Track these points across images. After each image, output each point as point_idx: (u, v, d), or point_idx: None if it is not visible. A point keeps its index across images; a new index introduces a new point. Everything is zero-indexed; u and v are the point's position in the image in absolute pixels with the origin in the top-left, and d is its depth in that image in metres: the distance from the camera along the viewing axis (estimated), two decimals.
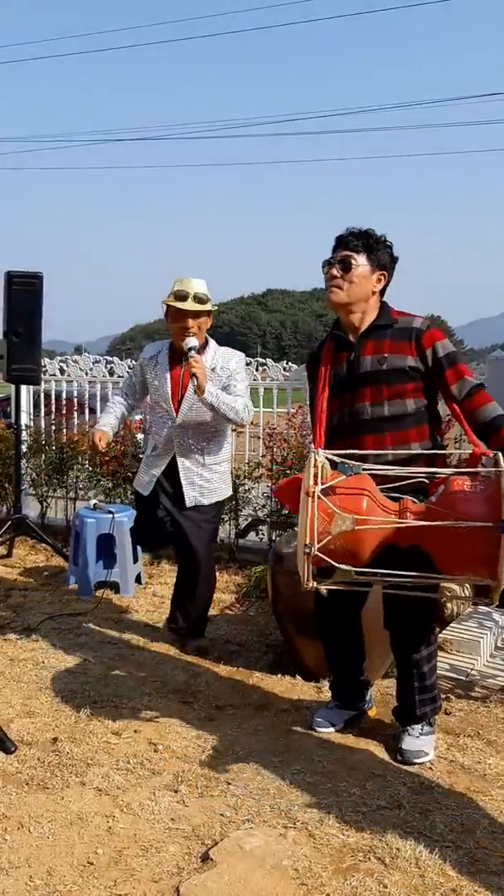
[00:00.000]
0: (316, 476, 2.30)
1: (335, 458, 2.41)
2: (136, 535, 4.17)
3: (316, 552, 2.26)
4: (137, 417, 5.70)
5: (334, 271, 2.68)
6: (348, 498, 2.31)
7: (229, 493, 3.80)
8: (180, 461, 3.62)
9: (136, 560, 4.83)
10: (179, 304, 3.45)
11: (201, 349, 3.54)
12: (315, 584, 2.34)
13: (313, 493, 2.26)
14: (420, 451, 2.61)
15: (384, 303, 2.77)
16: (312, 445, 2.54)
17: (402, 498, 2.41)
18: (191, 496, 3.61)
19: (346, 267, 2.67)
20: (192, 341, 3.40)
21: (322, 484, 2.30)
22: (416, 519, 2.32)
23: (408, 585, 2.39)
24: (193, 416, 3.56)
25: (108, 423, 3.78)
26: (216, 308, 3.57)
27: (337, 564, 2.30)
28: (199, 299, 3.46)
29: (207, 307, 3.49)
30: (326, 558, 2.28)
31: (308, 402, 2.91)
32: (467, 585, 2.39)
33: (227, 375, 3.55)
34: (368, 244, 2.68)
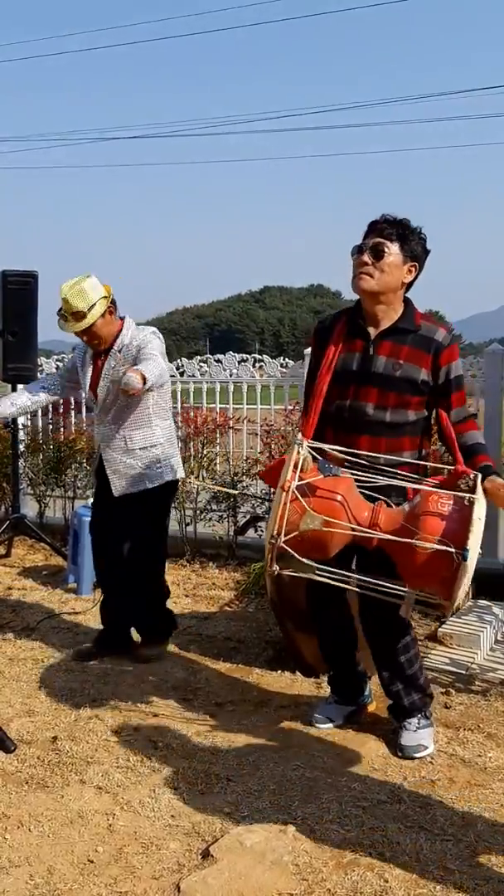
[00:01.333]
0: (295, 468, 2.31)
1: (317, 454, 2.42)
2: (93, 541, 3.75)
3: (281, 544, 2.30)
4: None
5: (365, 258, 2.58)
6: (321, 499, 2.33)
7: (167, 477, 3.51)
8: (104, 450, 3.50)
9: None
10: (62, 327, 3.34)
11: (117, 335, 3.39)
12: (278, 568, 2.38)
13: (289, 487, 2.28)
14: (409, 460, 2.61)
15: (409, 301, 2.68)
16: (299, 435, 2.50)
17: (378, 501, 2.42)
18: (117, 485, 3.46)
19: (378, 254, 2.57)
20: (131, 382, 3.05)
21: (300, 479, 2.32)
22: (386, 524, 2.35)
23: (370, 587, 2.41)
24: (111, 402, 3.43)
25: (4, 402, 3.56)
26: (107, 299, 3.32)
27: (300, 558, 2.33)
28: (78, 317, 3.27)
29: (88, 321, 3.27)
30: (290, 550, 2.31)
31: (305, 377, 2.83)
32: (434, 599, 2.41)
33: (136, 347, 3.35)
34: (402, 233, 2.59)
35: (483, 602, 4.08)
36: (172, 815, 2.35)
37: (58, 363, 6.49)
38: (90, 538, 3.76)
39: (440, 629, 3.73)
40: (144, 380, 3.04)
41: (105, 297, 3.33)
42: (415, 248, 2.62)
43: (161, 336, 3.52)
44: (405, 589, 2.39)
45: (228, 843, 2.19)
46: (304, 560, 2.35)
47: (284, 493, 2.28)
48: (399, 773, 2.61)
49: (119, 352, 3.39)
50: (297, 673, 3.41)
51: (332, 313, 2.85)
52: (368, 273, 2.58)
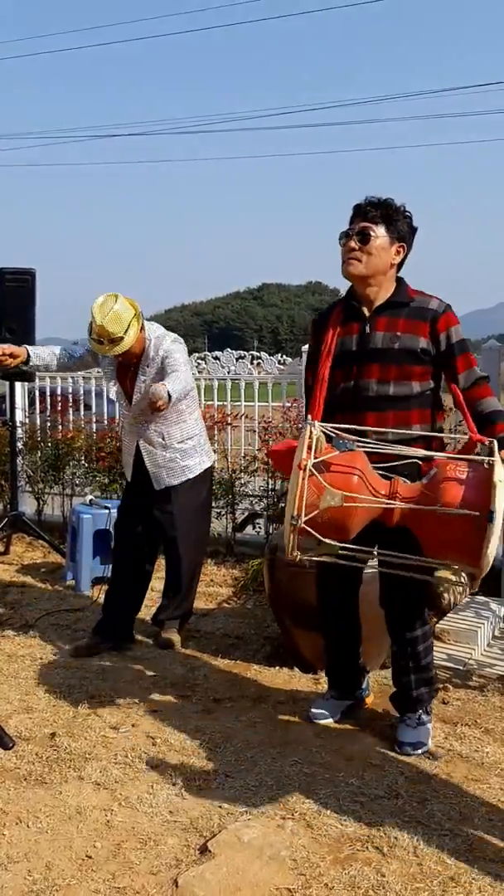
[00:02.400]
0: (310, 448, 2.28)
1: (330, 432, 2.40)
2: (120, 531, 3.83)
3: (302, 524, 2.26)
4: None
5: (352, 243, 2.59)
6: (339, 474, 2.29)
7: (207, 464, 3.76)
8: (142, 445, 3.62)
9: None
10: (98, 349, 3.41)
11: (144, 349, 3.49)
12: (299, 554, 2.34)
13: (305, 465, 2.25)
14: (420, 433, 2.59)
15: (401, 279, 2.70)
16: (309, 416, 2.49)
17: (393, 478, 2.39)
18: (159, 478, 3.62)
19: (365, 238, 2.58)
20: (158, 393, 3.22)
21: (315, 458, 2.29)
22: (405, 501, 2.32)
23: (395, 564, 2.39)
24: (146, 405, 3.48)
25: (35, 348, 3.60)
26: (137, 318, 3.41)
27: (322, 538, 2.30)
28: (113, 341, 3.34)
29: (127, 344, 3.36)
30: (312, 531, 2.28)
31: (304, 367, 2.84)
32: (462, 573, 2.36)
33: (162, 357, 3.47)
34: (387, 214, 2.60)
35: (480, 598, 4.09)
36: (170, 811, 2.36)
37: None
38: (118, 529, 3.83)
39: (438, 625, 3.74)
40: (170, 397, 3.21)
41: (136, 315, 3.42)
42: (401, 228, 2.63)
43: (182, 342, 3.66)
44: (434, 561, 2.34)
45: (226, 838, 2.20)
46: (327, 540, 2.31)
47: (301, 472, 2.24)
48: (396, 768, 2.61)
49: (148, 367, 3.52)
50: (296, 669, 3.42)
51: (328, 306, 2.85)
52: (356, 258, 2.60)
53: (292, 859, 2.12)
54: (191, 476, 3.66)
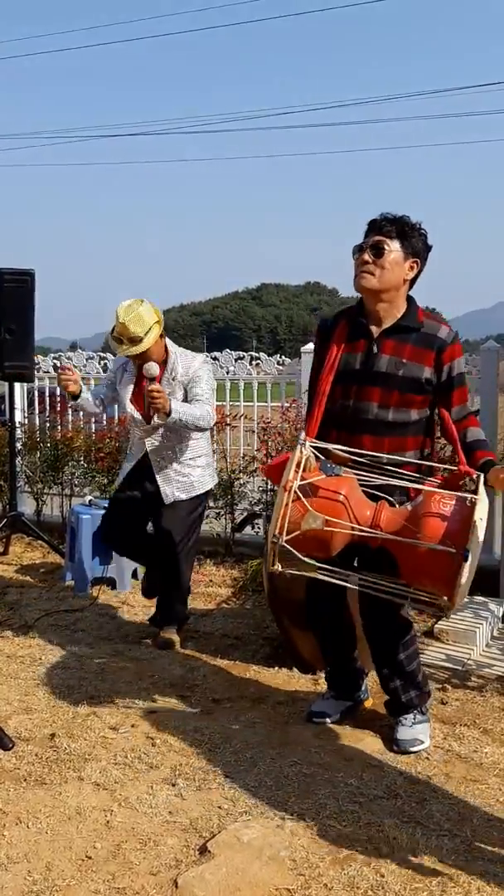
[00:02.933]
0: (297, 467, 2.32)
1: (323, 452, 2.43)
2: (106, 533, 3.93)
3: (283, 543, 2.32)
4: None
5: (366, 256, 2.57)
6: (324, 499, 2.34)
7: (211, 484, 3.82)
8: (153, 459, 3.66)
9: None
10: (116, 348, 3.50)
11: (164, 360, 3.54)
12: (280, 567, 2.39)
13: (290, 487, 2.29)
14: (412, 460, 2.62)
15: (412, 299, 2.68)
16: (302, 434, 2.51)
17: (380, 501, 2.43)
18: (168, 493, 3.65)
19: (379, 252, 2.56)
20: (152, 369, 3.34)
21: (303, 479, 2.33)
22: (388, 524, 2.37)
23: (372, 586, 2.43)
24: (160, 424, 3.56)
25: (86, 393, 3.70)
26: (159, 324, 3.49)
27: (302, 557, 2.34)
28: (134, 341, 3.41)
29: (145, 345, 3.42)
30: (293, 550, 2.33)
31: (308, 377, 2.86)
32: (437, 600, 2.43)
33: (189, 379, 3.55)
34: (402, 230, 2.58)
35: (479, 598, 4.10)
36: (170, 812, 2.36)
37: (55, 361, 6.50)
38: (115, 531, 3.86)
39: (437, 625, 3.74)
40: (169, 412, 3.27)
41: (158, 322, 3.49)
42: (415, 244, 2.61)
43: (210, 363, 3.74)
44: (407, 588, 2.40)
45: (226, 838, 2.21)
46: (306, 559, 2.36)
47: (286, 493, 2.29)
48: (395, 768, 2.62)
49: (173, 379, 3.55)
50: (295, 669, 3.42)
51: (334, 311, 2.85)
52: (369, 271, 2.57)
53: (291, 859, 2.13)
54: (198, 492, 3.71)
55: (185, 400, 3.54)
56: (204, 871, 2.07)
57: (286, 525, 2.31)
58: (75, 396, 3.60)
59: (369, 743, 2.79)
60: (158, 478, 3.65)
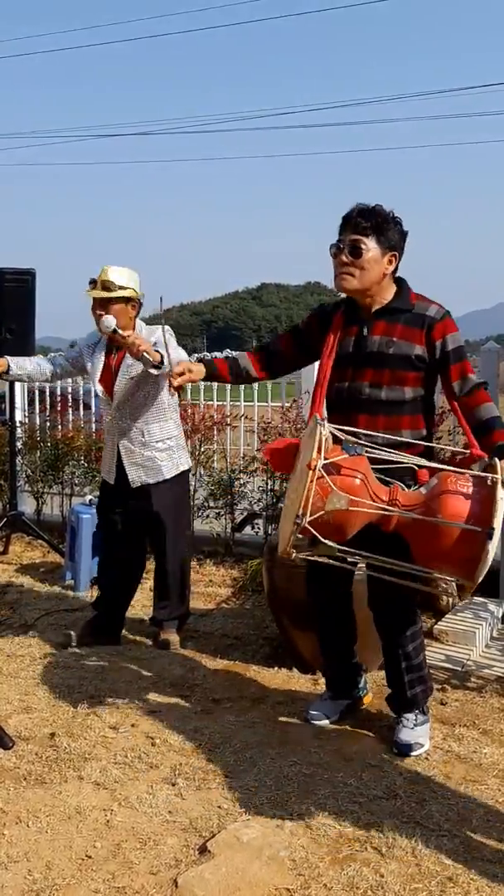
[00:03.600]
0: (320, 449, 2.28)
1: (339, 434, 2.41)
2: (104, 530, 3.88)
3: (306, 524, 2.27)
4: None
5: (344, 258, 2.60)
6: (345, 478, 2.31)
7: (181, 468, 3.73)
8: (121, 443, 3.63)
9: None
10: (88, 291, 3.50)
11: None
12: (294, 552, 2.36)
13: (315, 466, 2.25)
14: (409, 440, 2.61)
15: (403, 281, 2.70)
16: (317, 415, 2.47)
17: (392, 483, 2.41)
18: (134, 476, 3.61)
19: (357, 253, 2.58)
20: (108, 320, 3.31)
21: (325, 459, 2.29)
22: (405, 508, 2.33)
23: (388, 569, 2.40)
24: (128, 398, 3.55)
25: (15, 359, 3.65)
26: (136, 295, 3.52)
27: (323, 539, 2.31)
28: (104, 286, 3.44)
29: (115, 294, 3.45)
30: (314, 531, 2.29)
31: (289, 333, 2.90)
32: (452, 584, 2.39)
33: (154, 341, 3.44)
34: (377, 224, 2.58)
35: (479, 599, 4.10)
36: (170, 811, 2.36)
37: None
38: (102, 528, 3.86)
39: (436, 626, 3.75)
40: (162, 360, 3.14)
41: (135, 294, 3.53)
42: (392, 237, 2.62)
43: (173, 333, 3.64)
44: (428, 571, 2.36)
45: (225, 838, 2.21)
46: (327, 541, 2.32)
47: (311, 472, 2.24)
48: (395, 769, 2.62)
49: None
50: (294, 669, 3.43)
51: (332, 301, 2.86)
52: (349, 273, 2.60)
53: (291, 859, 2.13)
54: (168, 476, 3.65)
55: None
56: (204, 871, 2.07)
57: (309, 507, 2.25)
58: (7, 372, 3.54)
59: (369, 743, 2.80)
60: (126, 462, 3.61)
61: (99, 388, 3.65)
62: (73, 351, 3.80)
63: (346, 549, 2.36)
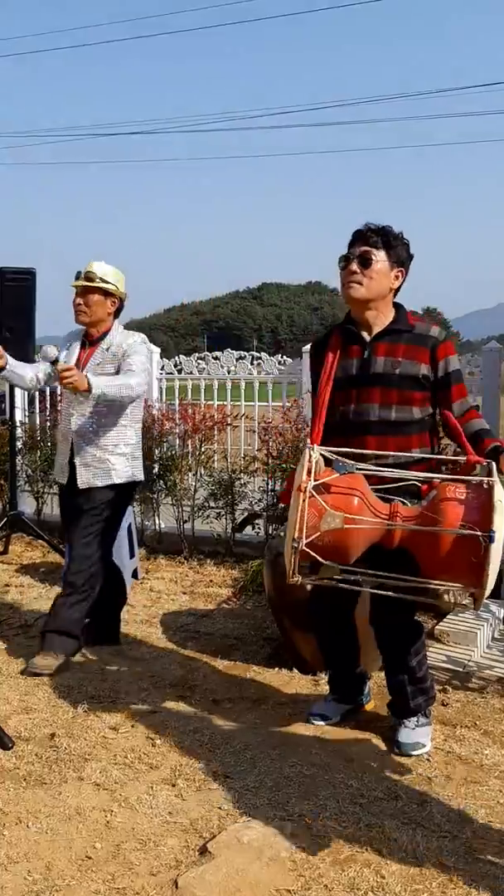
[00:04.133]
0: (309, 472, 2.30)
1: (329, 455, 2.41)
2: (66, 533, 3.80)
3: (303, 547, 2.27)
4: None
5: (353, 267, 2.64)
6: (339, 496, 2.32)
7: (135, 477, 3.63)
8: (76, 441, 3.56)
9: (132, 555, 4.83)
10: (73, 282, 3.57)
11: (105, 334, 3.59)
12: (300, 578, 2.35)
13: (305, 488, 2.27)
14: (420, 456, 2.61)
15: (400, 305, 2.74)
16: (308, 440, 2.53)
17: (392, 500, 2.41)
18: (83, 478, 3.52)
19: (366, 262, 2.62)
20: (48, 350, 3.34)
21: (315, 480, 2.31)
22: (406, 523, 2.34)
23: (393, 587, 2.40)
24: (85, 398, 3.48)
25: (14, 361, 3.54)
26: (117, 292, 3.57)
27: (323, 560, 2.31)
28: (87, 277, 3.53)
29: (94, 284, 3.53)
30: (313, 553, 2.29)
31: (311, 391, 2.88)
32: (464, 594, 2.38)
33: (123, 352, 3.52)
34: (387, 240, 2.65)
35: None
36: (170, 812, 2.36)
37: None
38: (124, 531, 3.91)
39: (437, 627, 3.74)
40: (89, 388, 3.21)
41: (117, 293, 3.59)
42: (400, 253, 2.69)
43: (149, 345, 3.74)
44: (435, 582, 2.36)
45: (226, 839, 2.20)
46: (327, 562, 2.32)
47: (301, 494, 2.26)
48: (396, 770, 2.62)
49: (107, 350, 3.57)
50: (295, 670, 3.42)
51: (335, 312, 2.87)
52: (358, 281, 2.64)
53: (292, 860, 2.13)
54: (116, 481, 3.54)
55: (118, 369, 3.50)
56: (204, 872, 2.07)
57: (304, 529, 2.26)
58: (2, 368, 3.45)
59: (370, 744, 2.79)
60: (77, 460, 3.53)
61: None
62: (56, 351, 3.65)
63: (350, 567, 2.36)
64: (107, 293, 3.56)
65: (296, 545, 2.27)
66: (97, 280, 3.53)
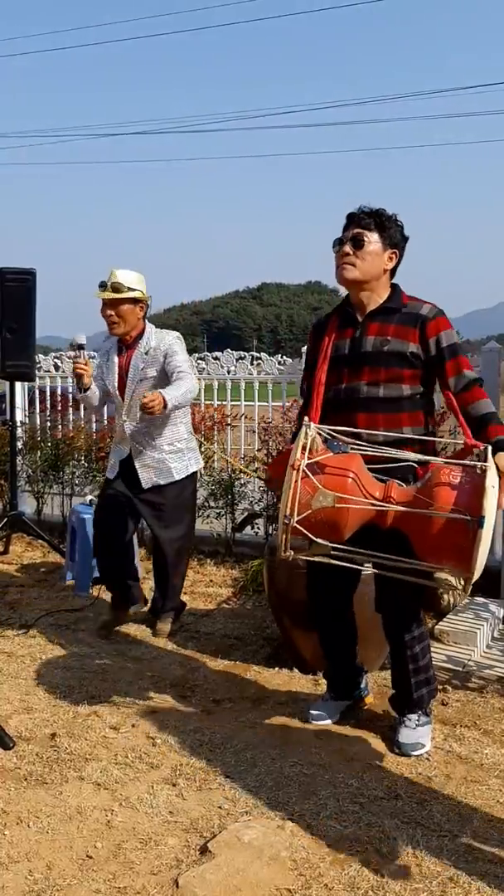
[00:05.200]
0: (304, 449, 2.31)
1: (326, 434, 2.42)
2: (96, 523, 3.94)
3: (294, 524, 2.28)
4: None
5: (346, 248, 2.66)
6: (333, 476, 2.32)
7: (195, 467, 3.88)
8: (133, 445, 3.76)
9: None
10: (98, 293, 3.66)
11: (139, 336, 3.71)
12: (292, 553, 2.37)
13: (299, 466, 2.28)
14: (411, 436, 2.62)
15: (396, 285, 2.76)
16: (305, 418, 2.51)
17: (388, 480, 2.41)
18: (146, 478, 3.75)
19: (359, 244, 2.65)
20: (78, 338, 3.62)
21: (310, 458, 2.32)
22: (399, 504, 2.34)
23: (391, 567, 2.40)
24: (138, 402, 3.59)
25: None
26: (144, 297, 3.68)
27: (314, 538, 2.32)
28: (114, 288, 3.60)
29: (123, 295, 3.61)
30: (304, 531, 2.30)
31: (305, 370, 2.90)
32: (457, 577, 2.38)
33: (163, 352, 3.66)
34: (380, 222, 2.67)
35: (479, 599, 4.10)
36: (170, 812, 2.36)
37: (56, 360, 6.50)
38: (98, 526, 3.90)
39: (437, 627, 3.74)
40: (165, 405, 3.34)
41: (143, 297, 3.69)
42: (393, 235, 2.70)
43: (182, 340, 3.83)
44: (426, 564, 2.36)
45: (226, 838, 2.21)
46: (318, 539, 2.33)
47: (294, 472, 2.27)
48: (396, 769, 2.62)
49: (146, 353, 3.68)
50: (295, 670, 3.43)
51: (325, 314, 2.90)
52: (350, 262, 2.66)
53: (292, 860, 2.13)
54: (178, 478, 3.78)
55: (162, 371, 3.66)
56: (205, 871, 2.07)
57: (297, 506, 2.27)
58: (86, 388, 3.72)
59: (370, 744, 2.79)
60: (136, 463, 3.75)
61: (115, 394, 3.76)
62: (96, 369, 3.87)
63: (342, 547, 2.36)
64: (135, 300, 3.66)
65: (287, 521, 2.29)
66: (125, 290, 3.61)
